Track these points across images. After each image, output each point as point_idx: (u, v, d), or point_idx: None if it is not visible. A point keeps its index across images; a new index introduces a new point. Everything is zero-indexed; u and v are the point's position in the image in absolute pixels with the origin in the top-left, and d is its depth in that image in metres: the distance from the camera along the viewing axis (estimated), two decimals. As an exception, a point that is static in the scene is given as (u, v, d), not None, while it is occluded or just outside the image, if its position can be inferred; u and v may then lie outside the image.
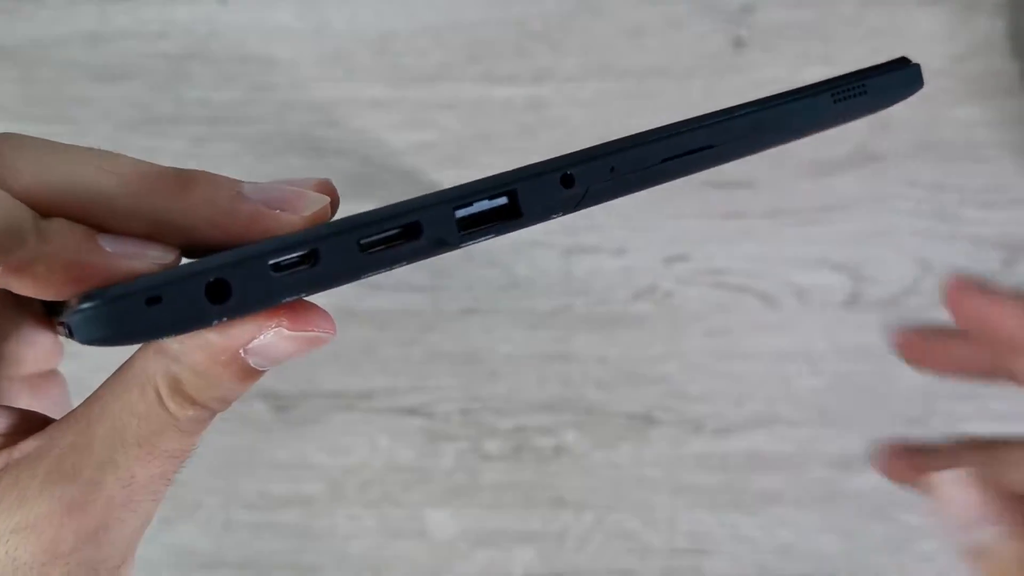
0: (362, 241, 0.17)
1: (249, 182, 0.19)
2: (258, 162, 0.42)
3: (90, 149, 0.18)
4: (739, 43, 0.42)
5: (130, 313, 0.16)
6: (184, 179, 0.18)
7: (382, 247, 0.18)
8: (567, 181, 0.19)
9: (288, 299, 0.17)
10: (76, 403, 0.20)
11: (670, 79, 0.42)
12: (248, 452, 0.42)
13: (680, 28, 0.42)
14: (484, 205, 0.18)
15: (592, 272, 0.42)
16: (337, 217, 0.19)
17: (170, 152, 0.42)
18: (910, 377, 0.42)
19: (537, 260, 0.42)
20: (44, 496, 0.18)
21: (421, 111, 0.42)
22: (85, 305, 0.16)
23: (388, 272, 0.18)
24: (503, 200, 0.19)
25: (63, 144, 0.18)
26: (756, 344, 0.42)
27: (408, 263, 0.18)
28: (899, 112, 0.42)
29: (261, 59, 0.42)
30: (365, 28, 0.42)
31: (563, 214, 0.19)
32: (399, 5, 0.42)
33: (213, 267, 0.16)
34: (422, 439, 0.42)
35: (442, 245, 0.18)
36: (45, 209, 0.17)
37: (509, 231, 0.19)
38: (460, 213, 0.18)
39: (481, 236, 0.19)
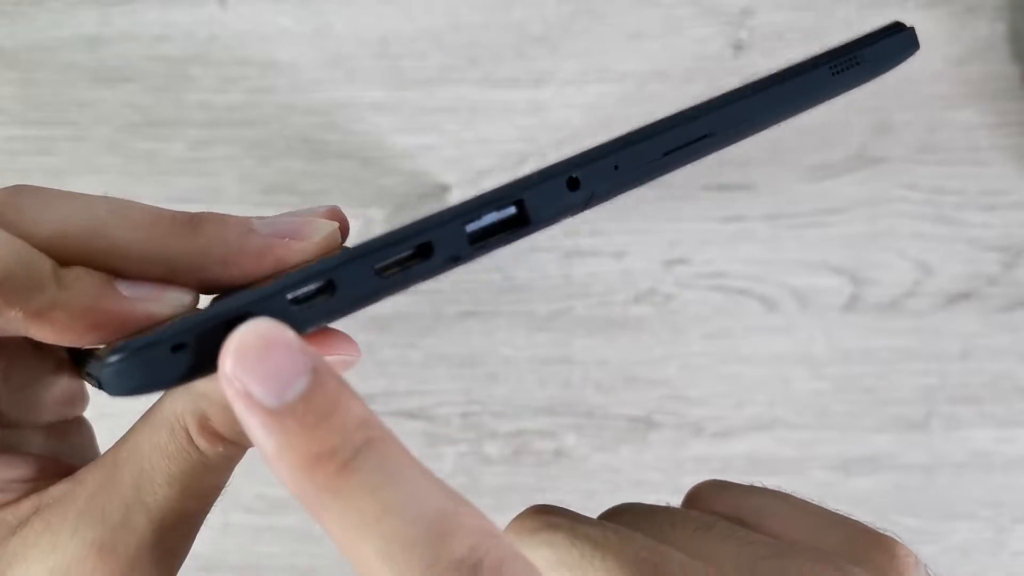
0: (376, 266, 0.17)
1: (258, 217, 0.19)
2: (258, 165, 0.42)
3: (103, 197, 0.19)
4: (739, 46, 0.42)
5: (157, 362, 0.16)
6: (194, 221, 0.19)
7: (397, 269, 0.18)
8: (573, 184, 0.19)
9: (310, 330, 0.17)
10: (103, 448, 0.20)
11: (670, 82, 0.42)
12: (247, 455, 0.42)
13: (680, 31, 0.42)
14: (493, 217, 0.19)
15: (592, 275, 0.42)
16: (349, 242, 0.19)
17: (170, 155, 0.42)
18: (910, 380, 0.42)
19: (537, 263, 0.42)
20: (76, 539, 0.18)
21: (421, 114, 0.42)
22: (112, 358, 0.16)
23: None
24: (512, 210, 0.19)
25: (77, 193, 0.19)
26: (756, 347, 0.42)
27: (423, 281, 0.18)
28: (899, 115, 0.42)
29: (261, 62, 0.42)
30: (365, 31, 0.42)
31: (571, 216, 0.19)
32: (399, 8, 0.42)
33: (233, 308, 0.16)
34: (422, 442, 0.42)
35: (455, 261, 0.18)
36: (63, 257, 0.18)
37: (519, 238, 0.19)
38: (470, 228, 0.18)
39: (492, 247, 0.19)
